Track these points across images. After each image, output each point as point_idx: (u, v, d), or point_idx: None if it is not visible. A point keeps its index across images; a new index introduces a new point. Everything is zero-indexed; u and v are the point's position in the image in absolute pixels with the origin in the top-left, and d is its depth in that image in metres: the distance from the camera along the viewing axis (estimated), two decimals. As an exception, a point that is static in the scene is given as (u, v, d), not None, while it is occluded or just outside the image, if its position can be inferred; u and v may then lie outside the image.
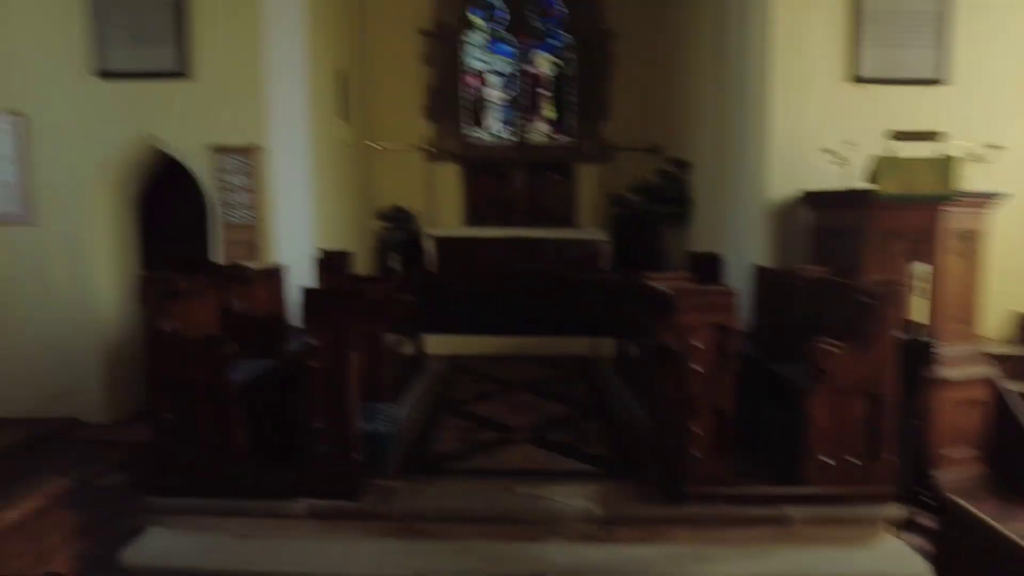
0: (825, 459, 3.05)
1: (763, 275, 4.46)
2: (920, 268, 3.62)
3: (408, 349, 6.06)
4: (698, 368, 3.04)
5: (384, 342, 3.97)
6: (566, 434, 4.12)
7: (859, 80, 4.19)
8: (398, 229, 8.03)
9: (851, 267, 3.78)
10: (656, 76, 8.07)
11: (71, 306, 4.70)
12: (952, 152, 3.48)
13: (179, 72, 4.59)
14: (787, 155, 4.31)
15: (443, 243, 7.52)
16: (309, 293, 2.95)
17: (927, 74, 4.18)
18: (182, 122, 4.61)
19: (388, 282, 4.35)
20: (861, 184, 3.73)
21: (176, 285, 3.02)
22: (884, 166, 3.48)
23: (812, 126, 4.27)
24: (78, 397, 4.70)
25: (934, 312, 3.61)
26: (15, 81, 4.60)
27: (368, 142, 7.96)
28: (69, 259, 4.68)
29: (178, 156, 4.73)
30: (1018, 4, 4.18)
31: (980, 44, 4.19)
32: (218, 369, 3.01)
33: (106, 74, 4.61)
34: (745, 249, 4.62)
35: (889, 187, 3.50)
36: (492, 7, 8.43)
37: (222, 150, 4.61)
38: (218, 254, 4.69)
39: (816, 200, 4.21)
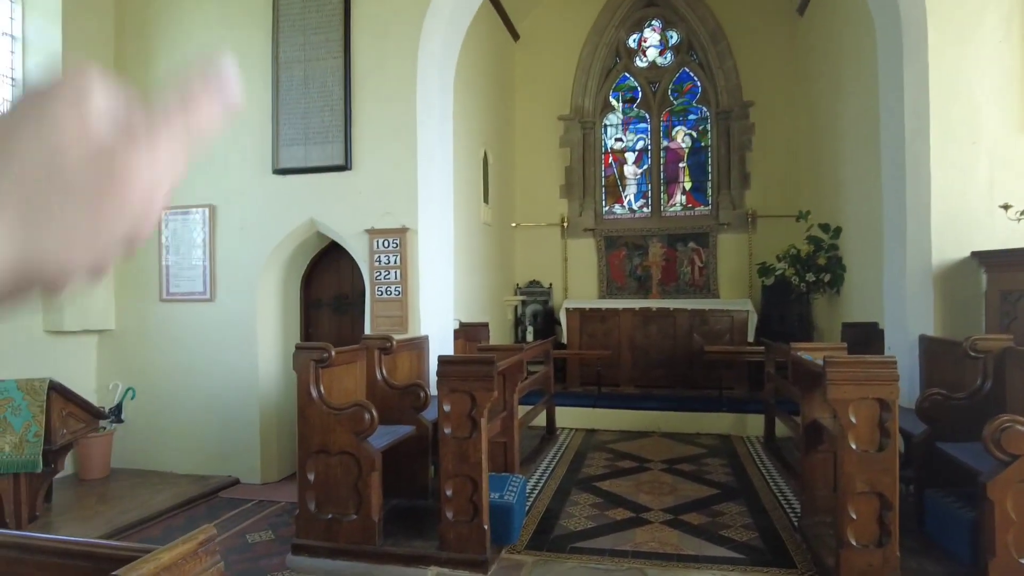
0: (1018, 558, 2.58)
1: (931, 345, 4.00)
2: None
3: (541, 421, 6.06)
4: (855, 446, 2.74)
5: (516, 413, 4.01)
6: (705, 516, 3.85)
7: (1033, 128, 3.77)
8: (534, 302, 8.22)
9: (1041, 336, 3.30)
10: (800, 142, 7.80)
11: (240, 375, 5.26)
12: None
13: (343, 166, 5.18)
14: (952, 214, 3.92)
15: (577, 315, 7.56)
16: (443, 361, 3.09)
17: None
18: (343, 209, 5.15)
19: (522, 351, 4.43)
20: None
21: (326, 354, 3.30)
22: (1072, 219, 3.05)
23: (980, 181, 3.87)
24: (241, 458, 5.18)
25: None
26: (208, 178, 5.42)
27: (509, 222, 8.35)
28: (241, 333, 5.28)
29: (338, 239, 5.26)
30: None
31: None
32: (358, 434, 3.20)
33: (281, 171, 5.30)
34: (907, 318, 4.19)
35: (1081, 243, 3.05)
36: (631, 89, 8.70)
37: (376, 232, 5.07)
38: (370, 327, 5.07)
39: (991, 260, 3.75)
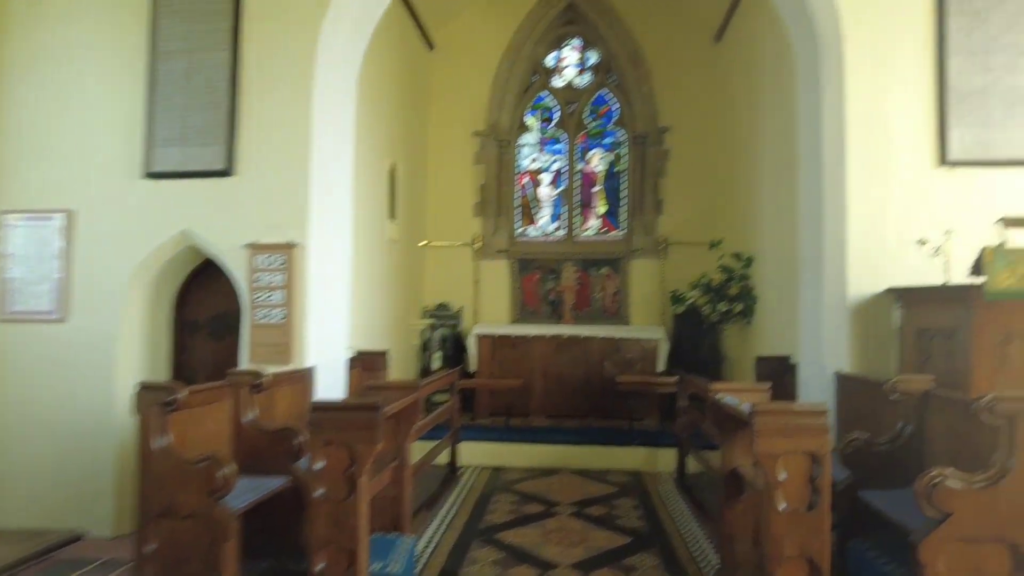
0: (956, 631, 2.36)
1: (847, 384, 3.85)
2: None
3: (446, 458, 5.58)
4: (783, 505, 2.46)
5: (409, 460, 3.52)
6: (618, 573, 3.50)
7: (947, 163, 3.72)
8: (443, 326, 7.75)
9: (956, 375, 3.18)
10: (715, 169, 7.79)
11: (93, 409, 4.48)
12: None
13: (224, 171, 4.56)
14: (868, 247, 3.82)
15: (488, 341, 7.15)
16: (317, 407, 2.58)
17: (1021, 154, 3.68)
18: (223, 219, 4.52)
19: (420, 386, 3.96)
20: (962, 278, 3.20)
21: (174, 397, 2.71)
22: (995, 258, 2.95)
23: (896, 214, 3.79)
24: (90, 508, 4.39)
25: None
26: (67, 179, 4.65)
27: (418, 240, 7.86)
28: (97, 359, 4.51)
29: (214, 254, 4.61)
30: None
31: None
32: (212, 492, 2.63)
33: (154, 175, 4.61)
34: (823, 353, 4.05)
35: (1002, 282, 2.95)
36: (548, 109, 8.47)
37: (258, 248, 4.47)
38: (247, 357, 4.44)
39: (907, 297, 3.65)
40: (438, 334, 7.66)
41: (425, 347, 7.62)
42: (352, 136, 5.08)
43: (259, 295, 4.46)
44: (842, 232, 3.87)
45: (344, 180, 4.98)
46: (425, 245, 8.08)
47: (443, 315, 7.90)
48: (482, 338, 7.16)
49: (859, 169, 3.79)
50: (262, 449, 3.34)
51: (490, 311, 8.13)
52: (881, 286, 3.80)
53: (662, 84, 8.09)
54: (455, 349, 7.69)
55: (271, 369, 3.91)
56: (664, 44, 8.10)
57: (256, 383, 3.39)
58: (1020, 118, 3.69)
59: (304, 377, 4.14)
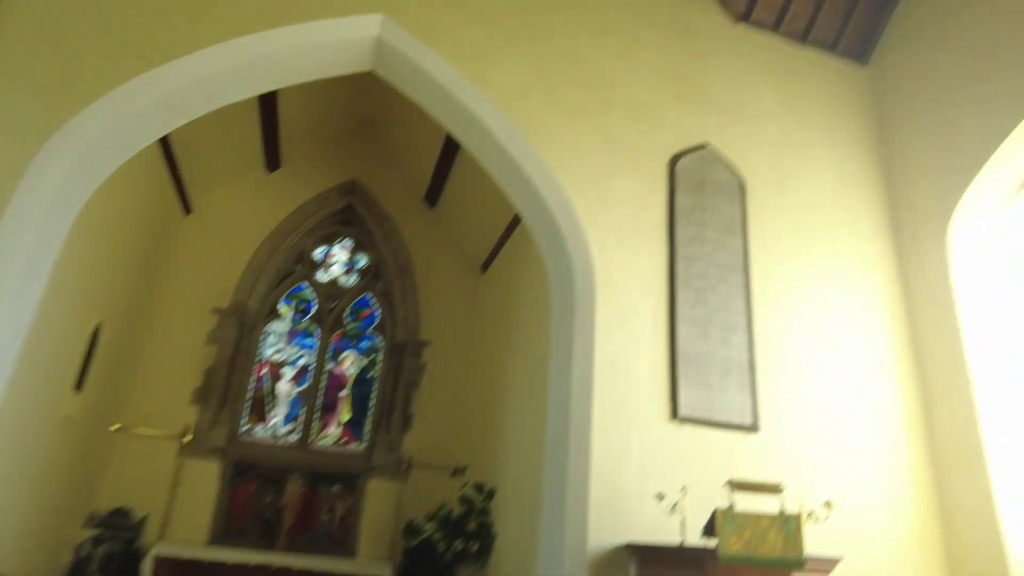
0: None
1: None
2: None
3: None
4: None
5: None
6: None
7: (678, 419, 3.93)
8: (112, 539, 5.97)
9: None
10: (469, 392, 7.70)
11: None
12: (793, 508, 3.08)
13: None
14: (610, 496, 3.71)
15: (169, 567, 5.60)
16: None
17: (741, 419, 4.04)
18: None
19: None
20: (698, 539, 3.15)
21: None
22: (725, 521, 2.95)
23: (636, 466, 3.79)
24: None
25: None
26: None
27: (110, 422, 6.30)
28: None
29: None
30: (811, 358, 4.41)
31: (784, 393, 4.24)
32: None
33: None
34: (559, 610, 3.66)
35: (732, 547, 2.93)
36: (306, 300, 7.97)
37: None
38: None
39: (643, 555, 3.51)
40: (102, 551, 5.85)
41: (77, 569, 5.72)
42: (43, 276, 4.03)
43: None
44: (586, 476, 3.75)
45: (12, 327, 3.80)
46: (118, 430, 6.50)
47: (118, 525, 6.14)
48: (162, 562, 5.60)
49: (603, 415, 3.82)
50: None
51: (185, 525, 6.55)
52: (621, 539, 3.64)
53: (428, 299, 8.18)
54: (124, 574, 5.89)
55: None
56: (434, 263, 8.36)
57: None
58: (732, 387, 4.11)
59: None
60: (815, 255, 4.76)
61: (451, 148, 7.12)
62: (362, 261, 8.35)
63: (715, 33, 5.32)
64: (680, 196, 4.54)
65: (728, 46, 5.32)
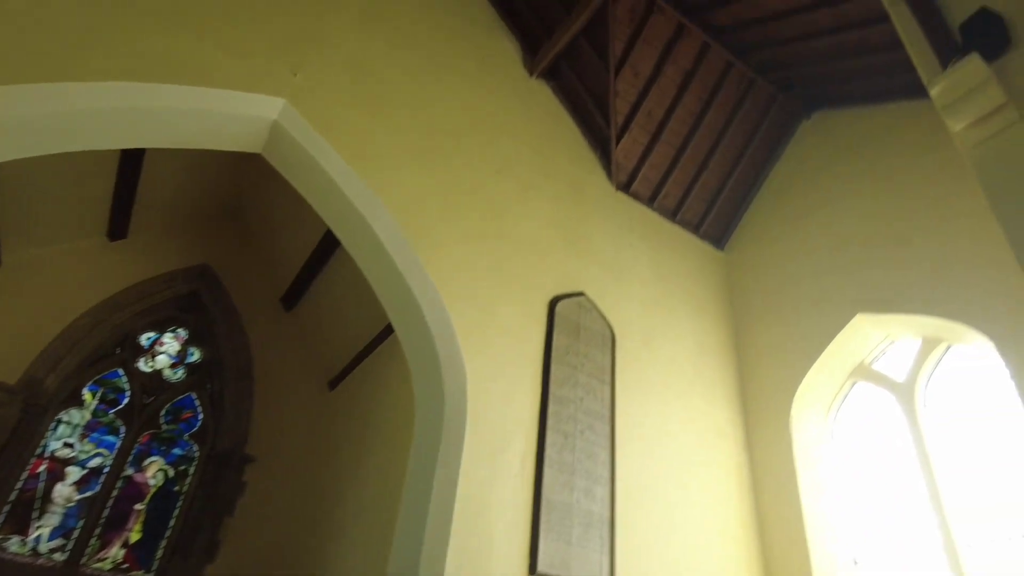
0: None
1: None
2: None
3: None
4: None
5: None
6: None
7: (536, 574, 3.61)
8: None
9: None
10: (297, 521, 6.79)
11: None
12: None
13: None
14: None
15: None
16: None
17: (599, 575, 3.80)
18: None
19: None
20: None
21: None
22: None
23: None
24: None
25: None
26: None
27: None
28: None
29: None
30: (668, 516, 4.33)
31: (642, 552, 4.08)
32: None
33: None
34: None
35: None
36: (119, 390, 6.86)
37: None
38: None
39: None
40: None
41: None
42: None
43: None
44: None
45: None
46: None
47: None
48: None
49: (458, 561, 3.41)
50: None
51: None
52: None
53: (264, 410, 7.37)
54: None
55: None
56: (279, 371, 7.67)
57: None
58: (592, 543, 3.90)
59: None
60: (675, 415, 4.89)
61: (323, 253, 6.82)
62: (195, 355, 7.47)
63: (601, 195, 5.70)
64: (557, 337, 4.54)
65: (611, 208, 5.70)
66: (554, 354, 4.44)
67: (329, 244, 6.37)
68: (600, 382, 4.55)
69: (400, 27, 4.94)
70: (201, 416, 7.19)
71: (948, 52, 3.13)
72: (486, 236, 4.58)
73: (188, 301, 7.51)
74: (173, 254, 7.45)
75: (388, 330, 6.42)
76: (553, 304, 4.69)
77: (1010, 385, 3.72)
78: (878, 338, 4.85)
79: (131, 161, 5.89)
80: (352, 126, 4.27)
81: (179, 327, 7.48)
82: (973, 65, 2.87)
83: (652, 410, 4.77)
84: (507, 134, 5.23)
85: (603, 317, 4.92)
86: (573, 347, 4.57)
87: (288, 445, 7.28)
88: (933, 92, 3.00)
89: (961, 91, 2.90)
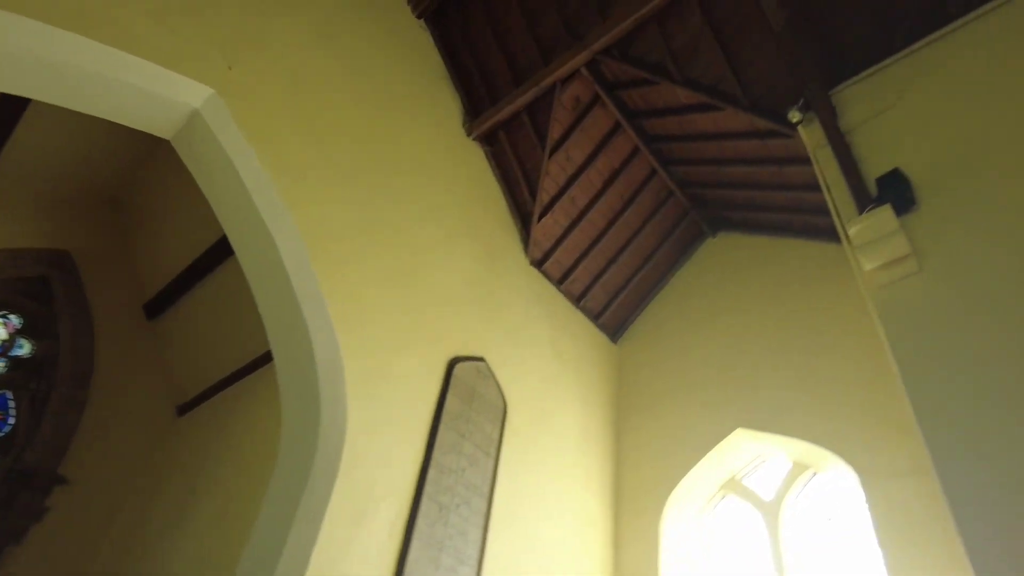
0: None
1: None
2: None
3: None
4: None
5: None
6: None
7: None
8: None
9: None
10: (95, 555, 5.82)
11: None
12: None
13: None
14: None
15: None
16: None
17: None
18: None
19: None
20: None
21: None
22: None
23: None
24: None
25: None
26: None
27: None
28: None
29: None
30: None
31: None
32: None
33: None
34: None
35: None
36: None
37: None
38: None
39: None
40: None
41: None
42: None
43: None
44: None
45: None
46: None
47: None
48: None
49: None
50: None
51: None
52: None
53: (93, 427, 6.43)
54: None
55: None
56: (124, 385, 6.79)
57: None
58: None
59: None
60: (551, 498, 4.74)
61: (207, 263, 6.25)
62: (24, 348, 6.47)
63: (514, 266, 5.67)
64: (450, 400, 4.32)
65: (523, 281, 5.67)
66: (444, 418, 4.19)
67: (217, 255, 5.84)
68: (485, 454, 4.34)
69: (350, 52, 4.80)
70: (12, 420, 6.14)
71: (864, 199, 3.42)
72: (397, 281, 4.36)
73: (33, 286, 6.55)
74: (32, 231, 6.54)
75: (262, 361, 5.89)
76: (452, 365, 4.48)
77: (868, 517, 3.91)
78: (752, 455, 5.02)
79: (3, 118, 5.18)
80: (279, 136, 3.99)
81: (13, 313, 6.48)
82: (886, 215, 3.12)
83: (531, 492, 4.59)
84: (437, 185, 5.13)
85: (499, 387, 4.76)
86: (464, 413, 4.35)
87: (114, 472, 6.33)
88: (850, 231, 3.22)
89: (873, 235, 3.13)
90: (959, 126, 3.25)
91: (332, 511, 3.28)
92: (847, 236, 3.49)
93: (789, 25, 3.92)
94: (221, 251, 5.61)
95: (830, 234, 5.39)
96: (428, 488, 3.82)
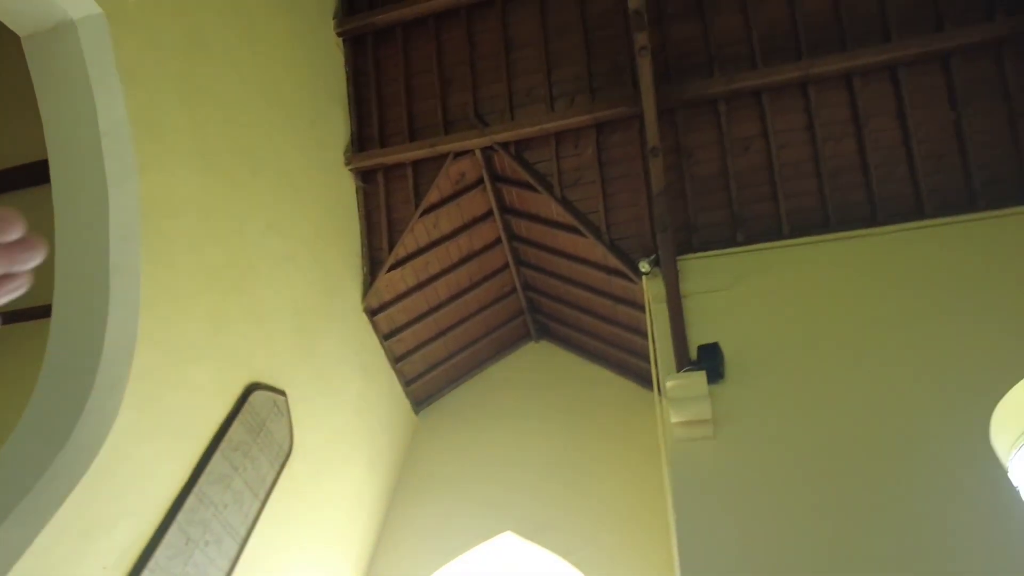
0: None
1: None
2: None
3: None
4: None
5: None
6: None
7: None
8: None
9: None
10: None
11: None
12: None
13: None
14: None
15: None
16: None
17: None
18: None
19: None
20: None
21: None
22: None
23: None
24: None
25: None
26: None
27: None
28: None
29: None
30: None
31: None
32: None
33: None
34: None
35: None
36: None
37: None
38: None
39: None
40: None
41: None
42: None
43: None
44: None
45: None
46: None
47: None
48: None
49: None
50: None
51: None
52: None
53: None
54: None
55: None
56: None
57: None
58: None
59: None
60: (306, 560, 4.41)
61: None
62: None
63: (348, 309, 5.46)
64: (236, 428, 3.92)
65: (351, 326, 5.48)
66: (223, 445, 3.79)
67: (16, 179, 4.92)
68: (253, 495, 3.96)
69: (261, 39, 4.56)
70: None
71: (683, 359, 3.85)
72: (223, 283, 3.99)
73: None
74: None
75: (39, 314, 4.91)
76: (250, 391, 4.11)
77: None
78: (517, 560, 5.13)
79: None
80: (157, 89, 3.60)
81: None
82: (699, 379, 3.54)
83: (288, 547, 4.24)
84: (297, 199, 4.89)
85: (291, 427, 4.44)
86: (245, 446, 3.97)
87: None
88: (667, 384, 3.59)
89: (685, 394, 3.52)
90: (772, 323, 3.86)
91: (62, 515, 2.75)
92: (660, 386, 3.88)
93: (666, 191, 4.45)
94: (27, 175, 4.71)
95: (637, 375, 5.92)
96: (181, 516, 3.37)
